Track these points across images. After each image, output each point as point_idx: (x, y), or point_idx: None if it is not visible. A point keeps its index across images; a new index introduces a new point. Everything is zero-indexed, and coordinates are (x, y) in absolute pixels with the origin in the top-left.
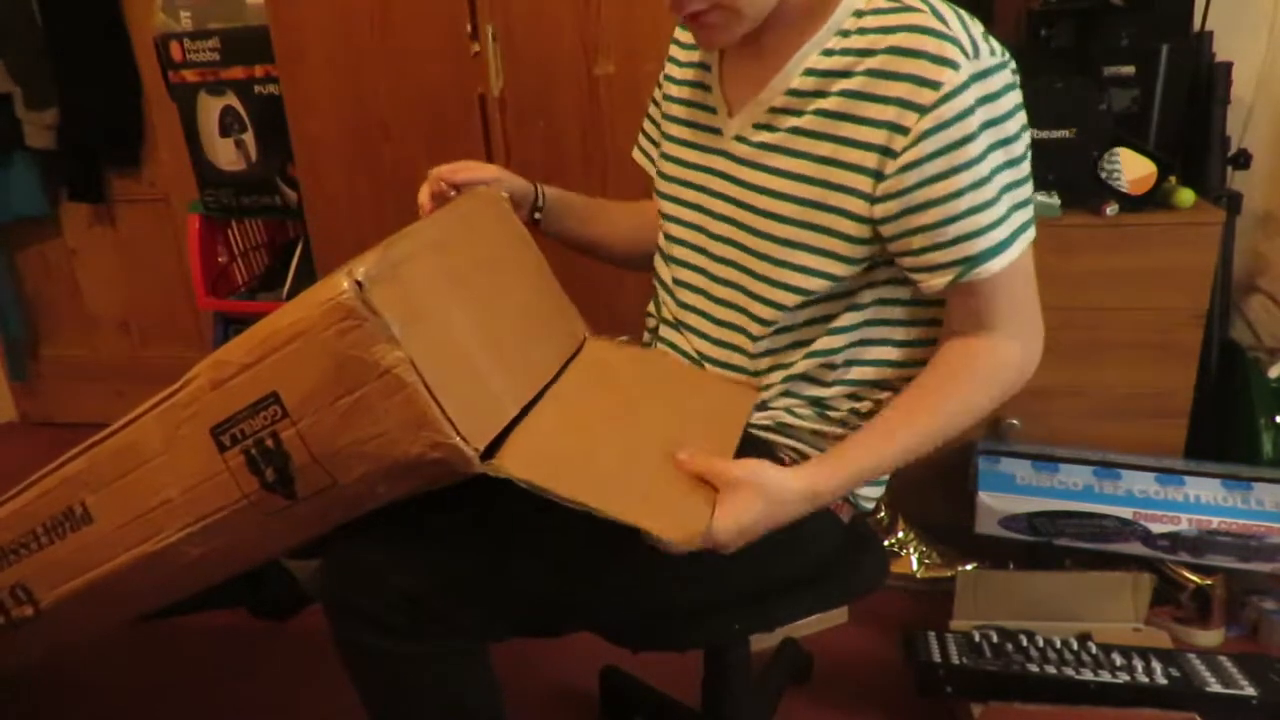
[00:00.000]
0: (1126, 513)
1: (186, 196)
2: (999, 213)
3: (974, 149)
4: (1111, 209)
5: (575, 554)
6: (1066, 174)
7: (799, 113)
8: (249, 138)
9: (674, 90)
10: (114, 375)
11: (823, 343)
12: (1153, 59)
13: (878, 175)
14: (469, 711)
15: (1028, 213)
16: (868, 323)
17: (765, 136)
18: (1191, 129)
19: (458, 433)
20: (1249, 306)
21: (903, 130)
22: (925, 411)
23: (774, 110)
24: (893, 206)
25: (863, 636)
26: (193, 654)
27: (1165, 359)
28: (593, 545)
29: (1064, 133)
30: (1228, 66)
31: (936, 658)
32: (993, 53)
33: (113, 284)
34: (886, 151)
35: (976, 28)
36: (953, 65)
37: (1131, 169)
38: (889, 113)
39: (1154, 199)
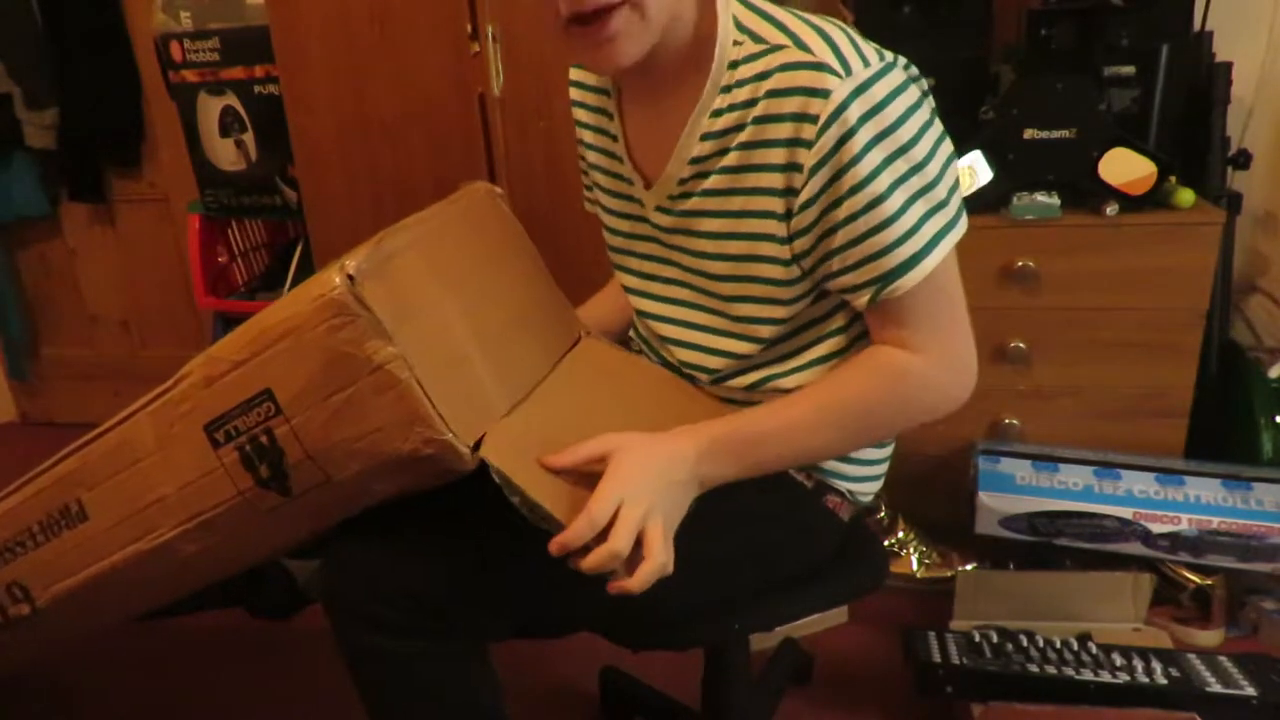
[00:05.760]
0: (1126, 513)
1: (186, 196)
2: (906, 226)
3: (863, 170)
4: (1111, 209)
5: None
6: (1066, 174)
7: (706, 175)
8: (249, 138)
9: (590, 156)
10: (114, 375)
11: (813, 353)
12: (1153, 59)
13: (787, 215)
14: (470, 711)
15: (946, 215)
16: (858, 339)
17: (683, 205)
18: (1191, 129)
19: (450, 429)
20: (1249, 306)
21: (798, 168)
22: (836, 422)
23: (683, 180)
24: (805, 242)
25: (863, 636)
26: (193, 654)
27: (1165, 359)
28: None
29: (1064, 133)
30: (1228, 66)
31: (936, 658)
32: (866, 63)
33: (113, 284)
34: (789, 191)
35: (846, 41)
36: (823, 94)
37: (1131, 169)
38: (783, 155)
39: (1154, 199)
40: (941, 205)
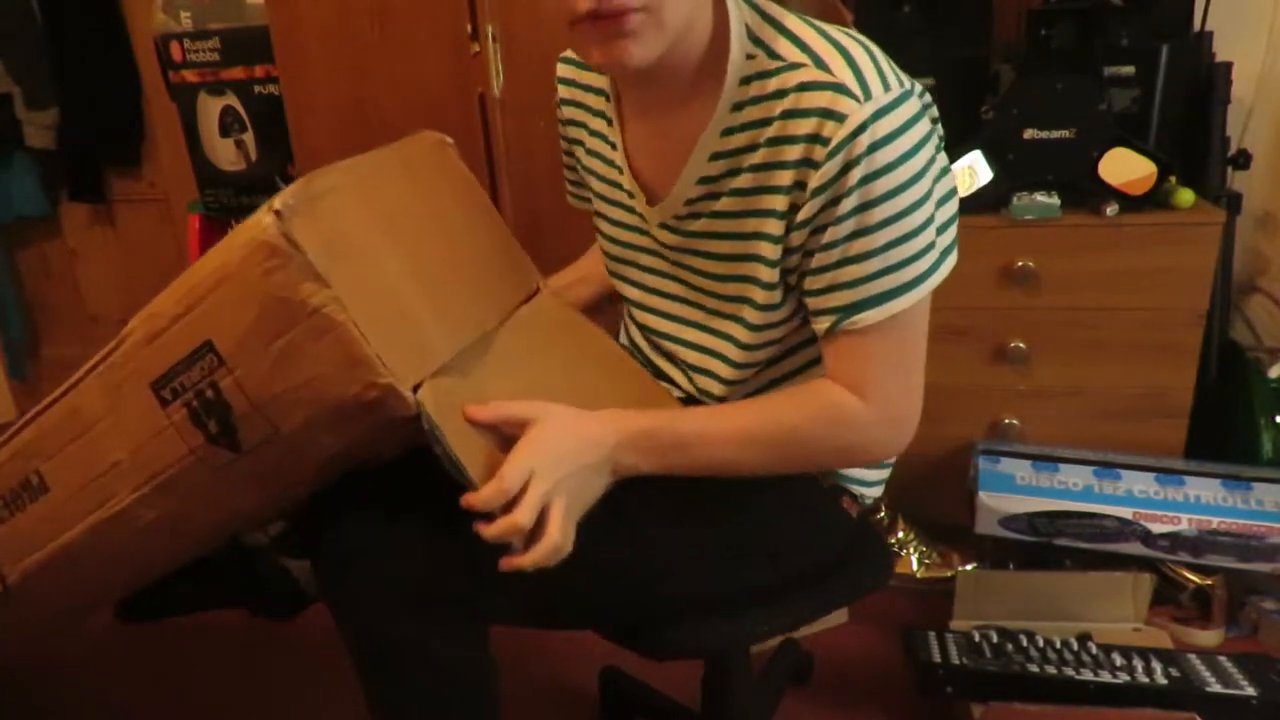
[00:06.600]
0: (1126, 513)
1: (186, 196)
2: (882, 264)
3: (856, 200)
4: (1111, 209)
5: (582, 544)
6: (1066, 174)
7: (716, 196)
8: (249, 138)
9: (586, 160)
10: None
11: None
12: (1153, 59)
13: (784, 234)
14: (473, 702)
15: (926, 261)
16: None
17: (690, 225)
18: (1191, 129)
19: (391, 372)
20: (1249, 306)
21: (802, 187)
22: (765, 446)
23: (691, 201)
24: (794, 260)
25: (863, 636)
26: (193, 654)
27: (1165, 359)
28: (600, 538)
29: (1064, 133)
30: (1228, 66)
31: (936, 658)
32: (886, 87)
33: (113, 284)
34: (791, 209)
35: (868, 60)
36: (839, 117)
37: (1131, 169)
38: (790, 175)
39: (1154, 199)
40: (925, 250)
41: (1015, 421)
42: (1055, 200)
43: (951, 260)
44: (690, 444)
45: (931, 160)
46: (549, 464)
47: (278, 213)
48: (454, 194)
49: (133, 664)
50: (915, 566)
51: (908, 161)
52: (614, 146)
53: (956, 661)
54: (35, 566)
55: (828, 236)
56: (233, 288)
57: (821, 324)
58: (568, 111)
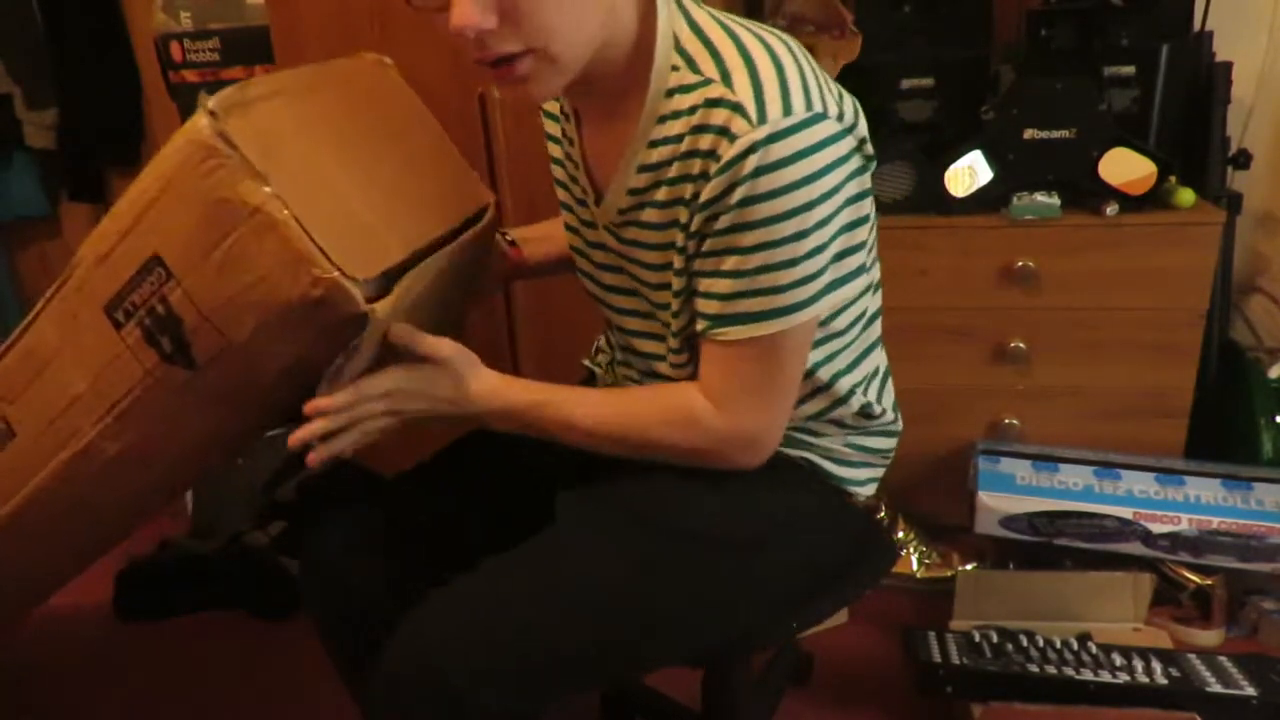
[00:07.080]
0: (1126, 513)
1: None
2: (751, 286)
3: (732, 220)
4: (1111, 209)
5: (661, 596)
6: (1066, 174)
7: (643, 206)
8: None
9: (551, 148)
10: None
11: None
12: (1153, 59)
13: (685, 245)
14: None
15: (795, 295)
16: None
17: (624, 232)
18: (1191, 129)
19: (336, 266)
20: (1249, 306)
21: (696, 198)
22: (617, 437)
23: (623, 210)
24: (692, 265)
25: (863, 636)
26: (193, 654)
27: (1165, 359)
28: (672, 578)
29: (1064, 133)
30: (1228, 66)
31: (936, 658)
32: (788, 111)
33: None
34: (690, 219)
35: (774, 80)
36: (731, 137)
37: (1131, 169)
38: (690, 189)
39: (1154, 199)
40: (804, 280)
41: (1015, 421)
42: (1055, 200)
43: (850, 289)
44: (555, 426)
45: (837, 188)
46: (414, 395)
47: (212, 113)
48: (397, 110)
49: (133, 664)
50: (915, 566)
51: (797, 190)
52: (571, 142)
53: (956, 661)
54: (6, 518)
55: (707, 246)
56: (174, 195)
57: (699, 326)
58: (547, 104)
